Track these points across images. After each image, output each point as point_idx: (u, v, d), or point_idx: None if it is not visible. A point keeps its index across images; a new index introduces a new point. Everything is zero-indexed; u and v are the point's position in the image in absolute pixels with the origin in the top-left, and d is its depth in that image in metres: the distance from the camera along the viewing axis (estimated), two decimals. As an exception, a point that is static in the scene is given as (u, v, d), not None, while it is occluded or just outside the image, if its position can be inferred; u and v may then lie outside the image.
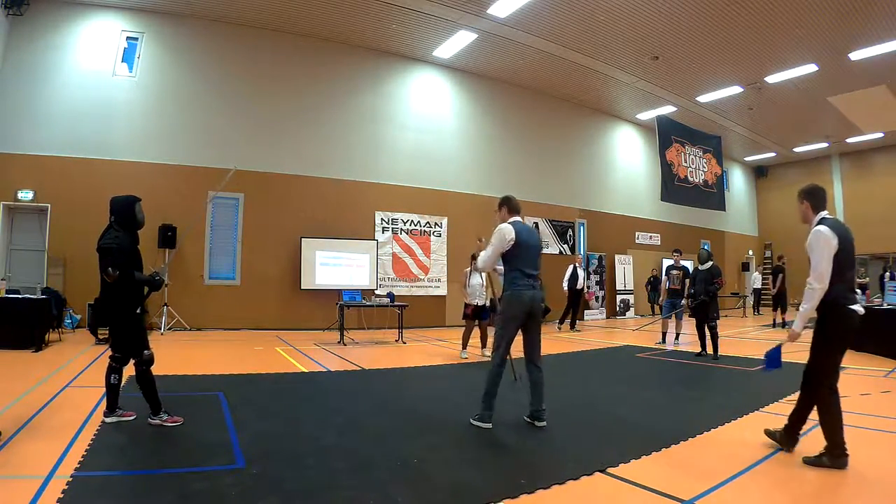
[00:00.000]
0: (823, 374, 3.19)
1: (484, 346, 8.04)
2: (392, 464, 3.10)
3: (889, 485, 2.88)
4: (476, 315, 7.94)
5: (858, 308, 3.16)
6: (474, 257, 8.31)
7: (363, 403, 4.84)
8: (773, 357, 3.50)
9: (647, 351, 8.86)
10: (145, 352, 3.77)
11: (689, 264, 10.05)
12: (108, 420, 3.76)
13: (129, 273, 3.66)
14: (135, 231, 3.88)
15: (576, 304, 12.54)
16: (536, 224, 15.02)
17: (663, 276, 10.12)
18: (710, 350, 7.82)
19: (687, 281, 9.01)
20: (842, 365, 3.25)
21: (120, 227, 3.77)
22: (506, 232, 3.96)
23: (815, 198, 3.37)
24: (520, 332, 4.07)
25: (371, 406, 4.72)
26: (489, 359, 7.87)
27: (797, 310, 3.26)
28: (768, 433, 3.53)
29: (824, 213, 3.31)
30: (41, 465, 2.85)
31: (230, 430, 3.73)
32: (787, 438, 3.39)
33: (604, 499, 2.75)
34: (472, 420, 3.95)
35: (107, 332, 3.83)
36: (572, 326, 12.40)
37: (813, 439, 3.35)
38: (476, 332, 8.10)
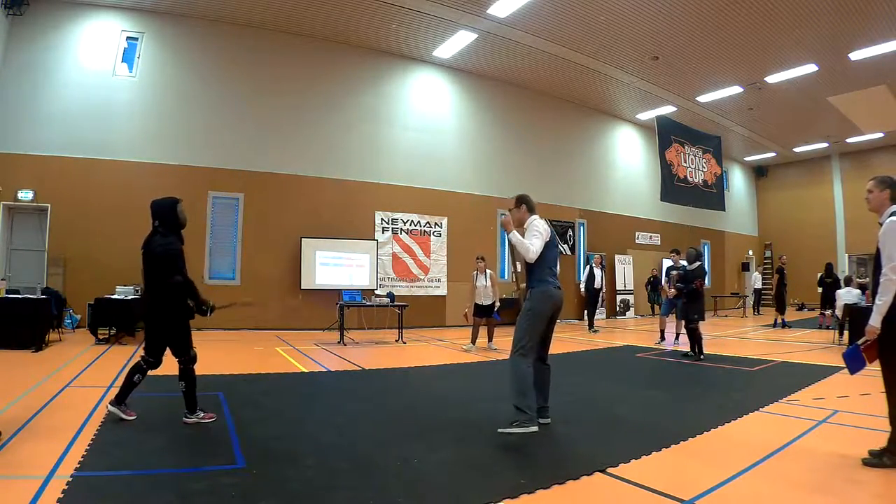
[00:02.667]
0: None
1: (490, 340, 8.71)
2: (392, 464, 3.10)
3: (883, 482, 2.88)
4: (482, 313, 8.52)
5: None
6: (480, 259, 8.58)
7: (363, 403, 4.84)
8: (855, 358, 3.27)
9: (647, 351, 8.86)
10: (192, 350, 3.91)
11: (683, 263, 10.05)
12: (111, 408, 3.78)
13: (190, 281, 3.80)
14: (180, 232, 3.94)
15: (593, 305, 12.46)
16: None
17: (663, 277, 10.12)
18: (699, 350, 7.63)
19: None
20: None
21: (167, 231, 3.82)
22: (544, 224, 3.88)
23: (894, 189, 3.28)
24: None
25: (371, 406, 4.72)
26: (496, 351, 8.17)
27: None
28: (869, 463, 3.14)
29: None
30: (41, 465, 2.84)
31: (230, 430, 3.73)
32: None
33: (604, 499, 2.74)
34: (503, 430, 3.48)
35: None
36: (591, 327, 12.21)
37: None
38: (483, 330, 8.78)
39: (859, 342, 3.25)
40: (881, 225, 3.21)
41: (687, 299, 7.84)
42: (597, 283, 12.18)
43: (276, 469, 2.95)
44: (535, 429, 3.47)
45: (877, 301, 3.12)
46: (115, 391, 4.81)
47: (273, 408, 4.52)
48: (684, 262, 9.78)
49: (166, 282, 3.72)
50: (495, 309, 8.56)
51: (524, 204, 4.09)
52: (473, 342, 8.56)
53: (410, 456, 3.23)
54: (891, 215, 3.18)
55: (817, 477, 2.98)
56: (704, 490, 2.73)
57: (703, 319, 7.71)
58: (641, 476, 2.93)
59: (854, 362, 3.28)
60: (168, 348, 3.86)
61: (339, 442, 3.54)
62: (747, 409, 4.54)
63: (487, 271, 8.58)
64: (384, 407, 4.70)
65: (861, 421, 4.19)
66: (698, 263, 8.08)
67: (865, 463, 3.11)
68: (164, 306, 3.80)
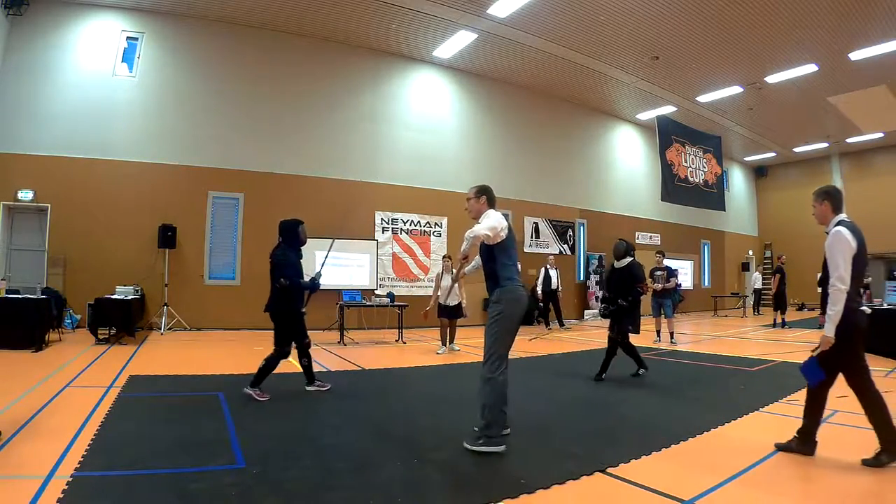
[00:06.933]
0: (859, 374, 3.20)
1: (452, 341, 8.46)
2: (392, 464, 3.10)
3: (882, 482, 2.88)
4: (448, 314, 8.29)
5: (865, 309, 3.25)
6: (446, 258, 8.42)
7: (363, 403, 4.84)
8: (812, 370, 3.32)
9: (647, 351, 8.84)
10: (306, 340, 5.11)
11: (683, 263, 10.08)
12: (309, 388, 5.10)
13: (296, 282, 4.82)
14: (299, 248, 5.01)
15: (554, 304, 12.38)
16: (536, 224, 15.06)
17: (648, 279, 10.14)
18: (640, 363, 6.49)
19: (672, 280, 9.21)
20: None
21: (287, 245, 4.90)
22: (499, 216, 3.58)
23: (835, 199, 3.33)
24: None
25: (371, 406, 4.73)
26: (457, 352, 8.03)
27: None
28: (782, 447, 3.42)
29: (843, 216, 3.29)
30: (41, 465, 2.85)
31: (230, 430, 3.73)
32: (804, 444, 3.35)
33: (604, 499, 2.75)
34: (470, 446, 3.33)
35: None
36: (561, 325, 12.28)
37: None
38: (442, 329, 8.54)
39: (814, 352, 3.28)
40: (828, 234, 3.26)
41: (630, 306, 6.15)
42: (553, 285, 12.21)
43: (276, 469, 2.95)
44: (499, 449, 3.30)
45: (828, 312, 3.15)
46: (113, 392, 4.82)
47: (273, 408, 4.52)
48: (669, 263, 9.72)
49: (273, 283, 4.87)
50: (462, 308, 8.36)
51: (484, 195, 3.73)
52: (444, 343, 8.36)
53: (410, 456, 3.23)
54: (836, 225, 3.23)
55: (817, 477, 2.98)
56: (704, 490, 2.73)
57: (634, 332, 6.38)
58: (641, 476, 2.93)
59: (812, 373, 3.32)
60: None
61: (339, 442, 3.54)
62: (747, 410, 4.54)
63: (454, 271, 8.14)
64: (384, 407, 4.71)
65: (860, 421, 4.16)
66: (630, 259, 6.32)
67: (865, 462, 3.12)
68: (277, 304, 4.91)
